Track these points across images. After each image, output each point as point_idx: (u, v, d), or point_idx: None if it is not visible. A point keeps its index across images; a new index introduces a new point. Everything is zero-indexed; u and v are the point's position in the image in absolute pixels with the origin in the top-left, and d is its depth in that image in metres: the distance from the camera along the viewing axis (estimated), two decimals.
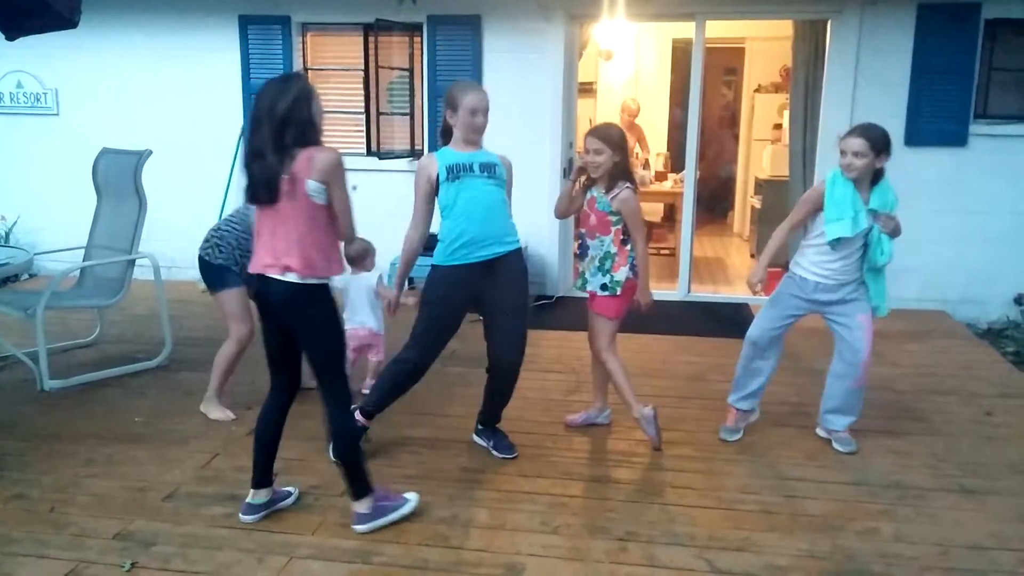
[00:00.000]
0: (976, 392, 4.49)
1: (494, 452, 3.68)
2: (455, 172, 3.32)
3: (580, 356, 4.19)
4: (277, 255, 2.83)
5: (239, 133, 6.75)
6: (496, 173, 3.39)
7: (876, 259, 3.50)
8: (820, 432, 3.84)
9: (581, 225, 3.75)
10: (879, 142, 3.41)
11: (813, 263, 3.60)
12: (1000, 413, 4.19)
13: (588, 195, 3.68)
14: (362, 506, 3.01)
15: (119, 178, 4.73)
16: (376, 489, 3.06)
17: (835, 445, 3.72)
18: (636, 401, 3.72)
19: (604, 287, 3.68)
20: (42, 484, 3.37)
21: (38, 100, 7.02)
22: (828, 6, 6.00)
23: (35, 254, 5.03)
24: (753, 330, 3.75)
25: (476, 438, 3.80)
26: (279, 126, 2.72)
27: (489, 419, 3.76)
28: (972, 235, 6.09)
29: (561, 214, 3.91)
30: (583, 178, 3.71)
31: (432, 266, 3.43)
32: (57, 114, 7.02)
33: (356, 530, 3.00)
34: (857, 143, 3.41)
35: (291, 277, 2.82)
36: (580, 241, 3.77)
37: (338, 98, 6.84)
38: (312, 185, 2.76)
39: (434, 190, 3.37)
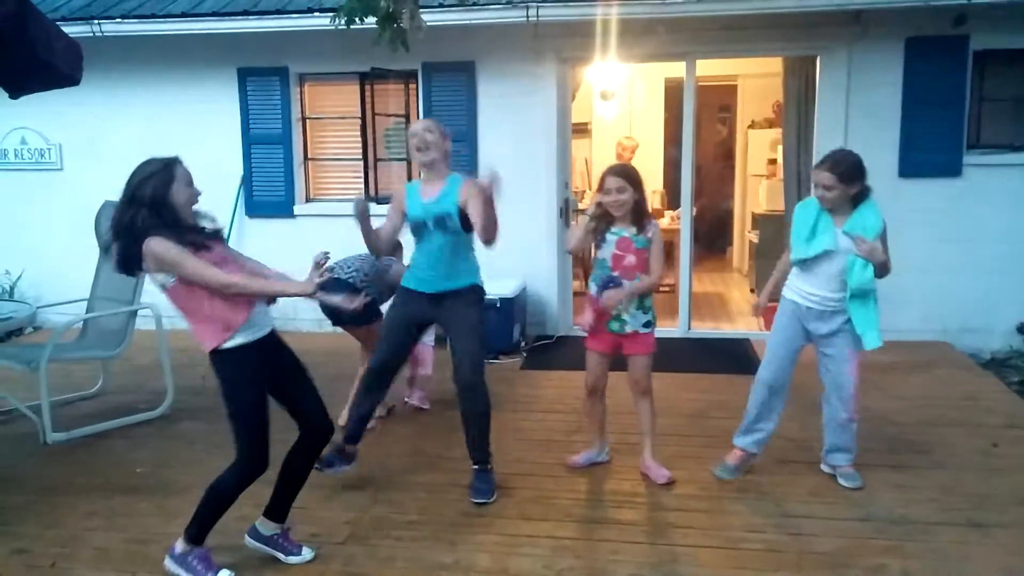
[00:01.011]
0: (981, 423, 4.45)
1: (469, 494, 3.63)
2: (416, 227, 3.65)
3: (581, 396, 4.17)
4: None
5: (239, 183, 6.83)
6: (449, 226, 3.58)
7: (857, 284, 3.47)
8: (825, 468, 3.81)
9: (613, 268, 3.66)
10: (847, 173, 3.44)
11: (797, 287, 3.64)
12: (1006, 444, 4.15)
13: (614, 236, 3.65)
14: (180, 544, 3.01)
15: None
16: (201, 549, 3.00)
17: (840, 481, 3.69)
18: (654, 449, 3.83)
19: (648, 324, 3.71)
20: (44, 538, 3.35)
21: (42, 156, 7.11)
22: (816, 42, 6.09)
23: (38, 307, 5.06)
24: (765, 373, 3.71)
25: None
26: (126, 206, 2.80)
27: (472, 454, 3.69)
28: (971, 264, 6.09)
29: (574, 249, 3.96)
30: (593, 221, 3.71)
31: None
32: (61, 169, 7.11)
33: (165, 563, 3.01)
34: (825, 177, 3.46)
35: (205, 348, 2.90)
36: (611, 286, 3.64)
37: (336, 146, 6.94)
38: (157, 279, 2.86)
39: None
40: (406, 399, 4.81)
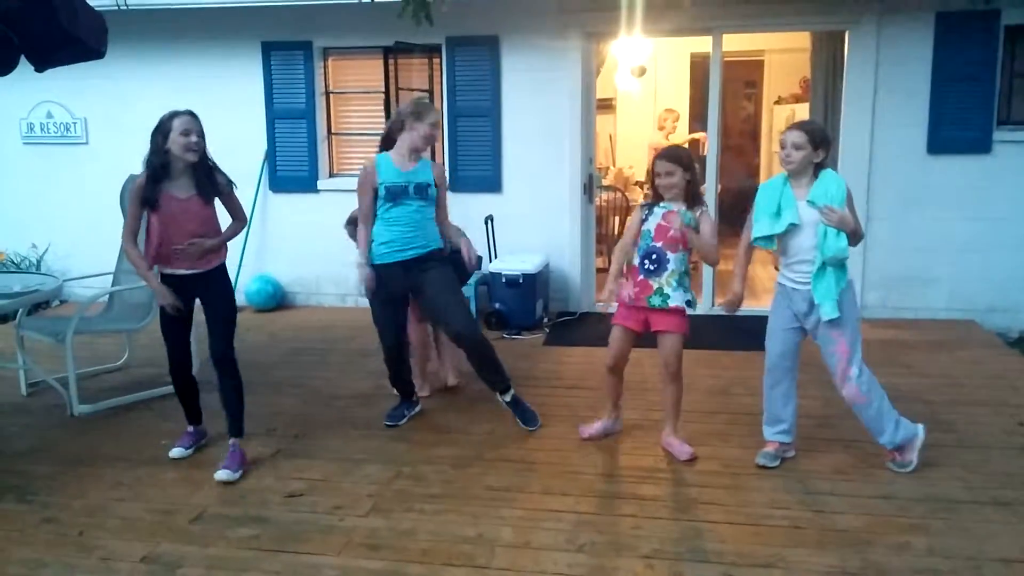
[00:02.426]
0: (1008, 402, 4.39)
1: (520, 424, 4.10)
2: (394, 193, 3.88)
3: (603, 372, 4.16)
4: None
5: (263, 158, 6.84)
6: (428, 194, 3.94)
7: (829, 254, 3.39)
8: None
9: (655, 239, 3.64)
10: (817, 135, 3.44)
11: (784, 270, 3.59)
12: None
13: (661, 210, 3.65)
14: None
15: None
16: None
17: (888, 464, 3.60)
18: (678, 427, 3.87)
19: (689, 303, 3.69)
20: (72, 508, 3.40)
21: (67, 130, 7.16)
22: (845, 17, 5.96)
23: (64, 280, 5.10)
24: (767, 362, 3.67)
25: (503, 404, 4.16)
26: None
27: (496, 387, 4.13)
28: (1000, 243, 5.99)
29: (608, 300, 3.81)
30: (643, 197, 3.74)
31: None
32: (86, 143, 7.15)
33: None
34: (795, 135, 3.43)
35: None
36: (653, 256, 3.64)
37: (360, 120, 6.92)
38: None
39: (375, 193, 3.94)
40: (448, 384, 4.75)
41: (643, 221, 3.71)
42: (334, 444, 4.00)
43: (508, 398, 4.12)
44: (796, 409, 3.70)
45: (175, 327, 3.76)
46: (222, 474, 3.61)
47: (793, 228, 3.44)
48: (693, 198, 3.66)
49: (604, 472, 3.67)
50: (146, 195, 3.54)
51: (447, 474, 3.65)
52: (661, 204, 3.67)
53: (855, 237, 3.43)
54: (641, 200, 4.00)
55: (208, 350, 3.70)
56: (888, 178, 6.05)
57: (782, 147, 3.49)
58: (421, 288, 3.99)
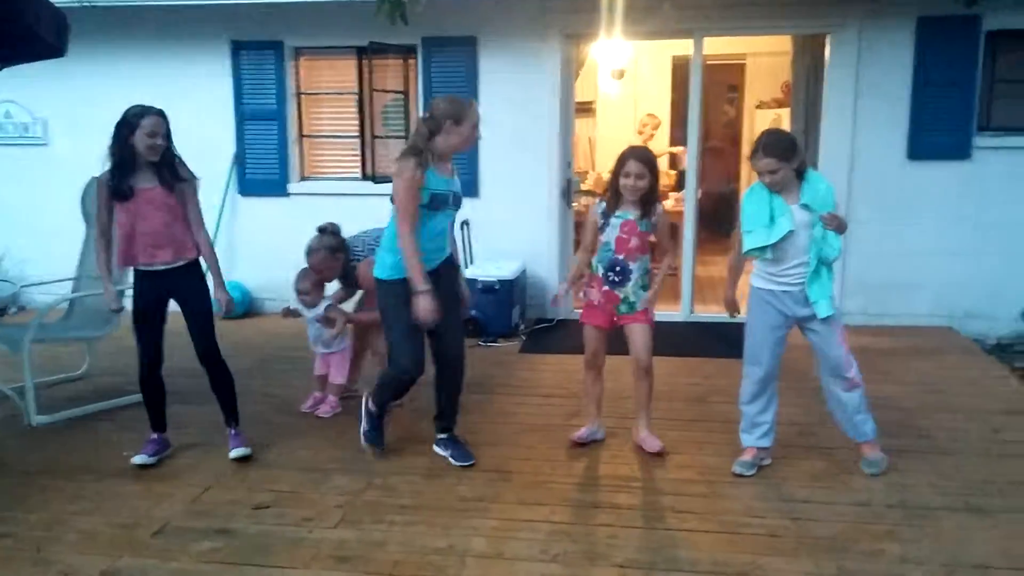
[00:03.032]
0: (984, 409, 4.50)
1: (453, 461, 3.85)
2: (439, 202, 3.61)
3: (580, 380, 4.21)
4: None
5: (232, 161, 6.84)
6: (460, 204, 3.78)
7: (827, 255, 3.51)
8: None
9: (617, 251, 3.77)
10: (784, 151, 3.47)
11: (767, 273, 3.62)
12: (1008, 430, 4.19)
13: (618, 220, 3.76)
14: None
15: None
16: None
17: (862, 466, 3.70)
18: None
19: (647, 300, 3.85)
20: (29, 522, 3.38)
21: (27, 130, 7.12)
22: (826, 20, 6.08)
23: (22, 286, 5.08)
24: (750, 367, 3.72)
25: (436, 448, 3.96)
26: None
27: (447, 422, 3.96)
28: (979, 249, 6.12)
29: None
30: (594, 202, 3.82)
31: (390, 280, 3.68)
32: (46, 144, 7.12)
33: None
34: (766, 163, 3.47)
35: None
36: (616, 268, 3.78)
37: (332, 122, 6.94)
38: None
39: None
40: (303, 407, 4.64)
41: (600, 230, 3.81)
42: (303, 455, 4.02)
43: (454, 436, 3.98)
44: (777, 412, 3.77)
45: (148, 324, 3.80)
46: (238, 451, 3.91)
47: (789, 234, 3.51)
48: (650, 204, 3.75)
49: (579, 481, 3.71)
50: (116, 186, 3.60)
51: (418, 485, 3.67)
52: (617, 213, 3.77)
53: (842, 231, 3.55)
54: (596, 201, 3.99)
55: (194, 350, 3.85)
56: (868, 183, 6.17)
57: (760, 175, 3.54)
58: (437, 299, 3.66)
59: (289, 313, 4.64)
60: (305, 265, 4.46)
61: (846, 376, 3.63)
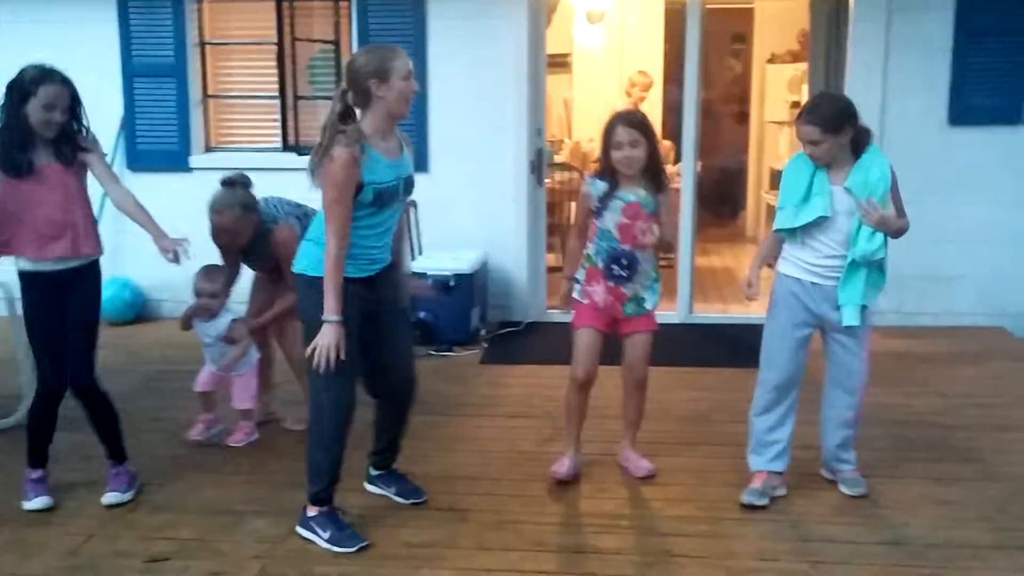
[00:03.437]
0: None
1: (398, 499, 3.82)
2: (386, 197, 3.39)
3: (555, 396, 4.21)
4: None
5: (119, 127, 6.74)
6: (410, 189, 3.59)
7: (852, 251, 3.53)
8: (825, 474, 3.94)
9: (622, 241, 3.76)
10: (832, 122, 3.48)
11: (797, 258, 3.67)
12: None
13: (620, 203, 3.74)
14: None
15: None
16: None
17: (843, 489, 3.81)
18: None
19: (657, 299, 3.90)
20: None
21: None
22: None
23: None
24: (767, 372, 3.77)
25: (370, 487, 3.89)
26: None
27: (388, 459, 3.90)
28: None
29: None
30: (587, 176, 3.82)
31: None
32: None
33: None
34: (807, 131, 3.51)
35: None
36: (622, 261, 3.77)
37: (245, 80, 6.87)
38: None
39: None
40: (192, 436, 4.54)
41: (596, 214, 3.79)
42: (210, 493, 3.97)
43: (396, 470, 3.95)
44: (793, 430, 3.82)
45: (49, 323, 3.67)
46: (111, 496, 3.78)
47: (822, 220, 3.53)
48: (655, 178, 3.75)
49: (555, 521, 3.71)
50: (12, 159, 3.53)
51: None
52: (617, 194, 3.74)
53: (899, 234, 3.57)
54: (588, 177, 3.98)
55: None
56: (901, 155, 6.09)
57: (802, 143, 3.58)
58: (380, 315, 3.56)
59: (190, 323, 4.50)
60: (207, 263, 4.35)
61: (854, 400, 3.73)
